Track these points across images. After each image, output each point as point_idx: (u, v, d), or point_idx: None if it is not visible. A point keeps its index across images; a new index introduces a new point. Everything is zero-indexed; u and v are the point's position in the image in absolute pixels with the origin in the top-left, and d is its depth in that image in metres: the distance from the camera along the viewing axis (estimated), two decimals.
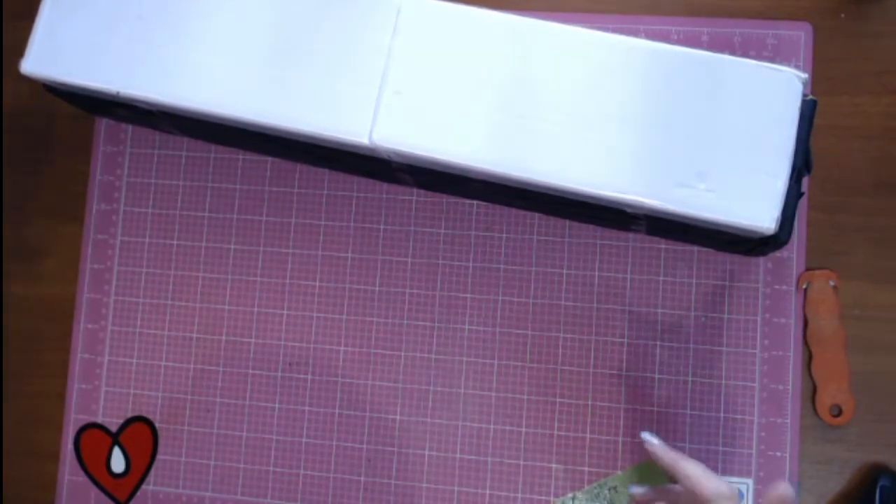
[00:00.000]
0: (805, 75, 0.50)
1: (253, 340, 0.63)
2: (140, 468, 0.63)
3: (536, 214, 0.61)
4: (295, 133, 0.54)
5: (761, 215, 0.49)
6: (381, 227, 0.62)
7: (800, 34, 0.61)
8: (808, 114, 0.51)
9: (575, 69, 0.52)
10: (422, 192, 0.62)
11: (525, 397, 0.60)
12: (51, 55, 0.56)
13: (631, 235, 0.60)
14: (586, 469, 0.59)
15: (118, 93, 0.55)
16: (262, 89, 0.54)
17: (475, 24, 0.53)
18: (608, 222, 0.59)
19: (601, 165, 0.50)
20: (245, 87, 0.54)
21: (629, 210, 0.52)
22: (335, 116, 0.53)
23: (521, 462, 0.59)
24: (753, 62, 0.51)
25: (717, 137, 0.50)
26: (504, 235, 0.61)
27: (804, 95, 0.50)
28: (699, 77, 0.51)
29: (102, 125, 0.66)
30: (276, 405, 0.62)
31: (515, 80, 0.52)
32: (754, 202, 0.49)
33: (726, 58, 0.51)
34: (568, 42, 0.52)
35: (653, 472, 0.58)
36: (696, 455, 0.58)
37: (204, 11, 0.55)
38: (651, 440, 0.52)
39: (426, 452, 0.60)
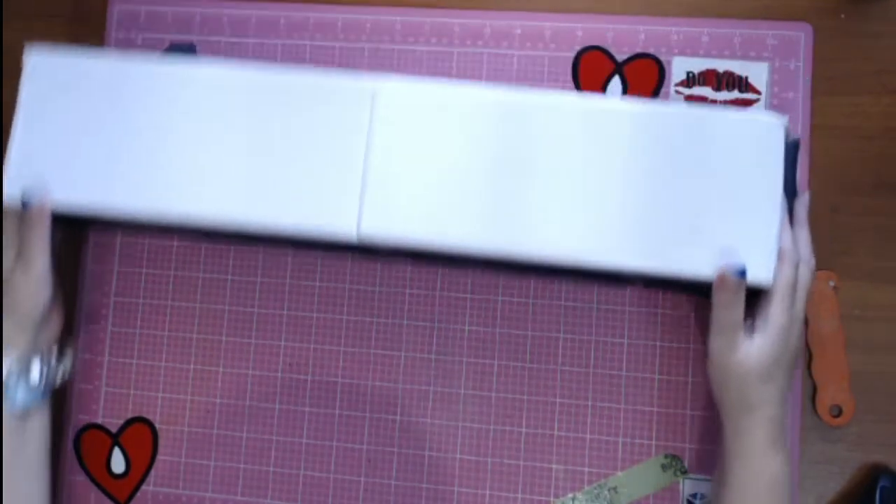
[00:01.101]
0: (785, 118, 0.50)
1: (253, 341, 0.63)
2: (140, 468, 0.63)
3: None
4: (282, 233, 0.53)
5: (758, 268, 0.49)
6: None
7: (800, 34, 0.61)
8: (793, 154, 0.51)
9: (558, 138, 0.51)
10: None
11: (525, 397, 0.60)
12: (28, 177, 0.53)
13: None
14: (586, 469, 0.59)
15: (102, 211, 0.53)
16: (244, 193, 0.52)
17: (453, 101, 0.52)
18: (605, 282, 0.59)
19: (595, 235, 0.50)
20: (227, 192, 0.52)
21: (626, 273, 0.52)
22: (321, 213, 0.52)
23: (521, 462, 0.59)
24: (733, 113, 0.51)
25: (707, 193, 0.50)
26: None
27: (787, 136, 0.50)
28: (682, 133, 0.50)
29: None
30: (276, 405, 0.62)
31: (500, 155, 0.51)
32: (750, 256, 0.49)
33: (706, 111, 0.51)
34: (548, 111, 0.51)
35: (653, 473, 0.58)
36: (695, 455, 0.58)
37: (178, 119, 0.53)
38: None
39: (426, 453, 0.60)
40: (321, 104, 0.52)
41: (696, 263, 0.50)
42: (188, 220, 0.53)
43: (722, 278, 0.49)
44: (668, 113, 0.51)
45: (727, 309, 0.49)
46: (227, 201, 0.52)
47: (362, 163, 0.52)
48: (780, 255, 0.49)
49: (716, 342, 0.50)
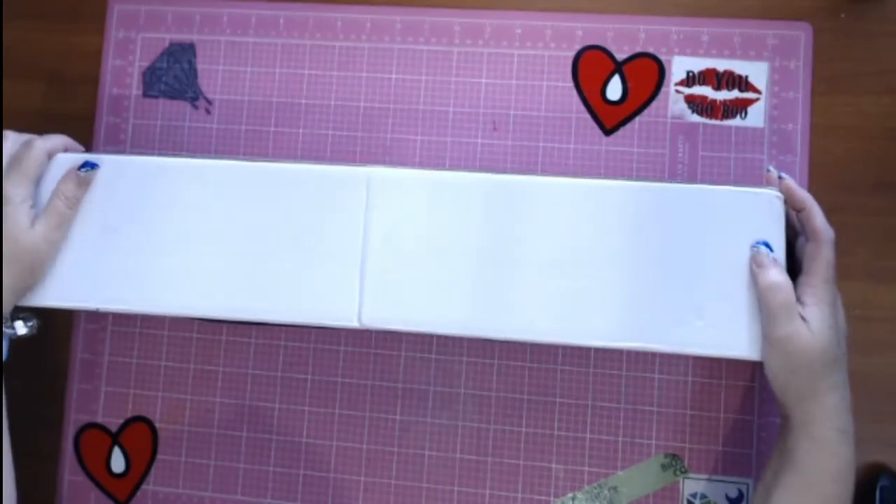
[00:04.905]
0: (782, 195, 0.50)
1: (253, 340, 0.63)
2: (140, 468, 0.63)
3: None
4: (284, 323, 0.53)
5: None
6: None
7: (800, 34, 0.61)
8: (785, 219, 0.51)
9: (554, 220, 0.51)
10: None
11: (525, 397, 0.60)
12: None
13: None
14: (586, 469, 0.59)
15: (97, 309, 0.54)
16: (244, 287, 0.52)
17: (445, 187, 0.52)
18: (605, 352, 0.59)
19: (596, 316, 0.50)
20: (226, 287, 0.53)
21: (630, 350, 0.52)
22: (322, 304, 0.52)
23: (521, 462, 0.59)
24: (731, 188, 0.50)
25: (708, 269, 0.49)
26: None
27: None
28: (680, 209, 0.50)
29: (102, 127, 0.66)
30: (276, 405, 0.62)
31: (496, 238, 0.51)
32: (756, 333, 0.49)
33: (703, 187, 0.51)
34: (542, 193, 0.51)
35: (653, 472, 0.58)
36: (695, 455, 0.58)
37: (174, 216, 0.53)
38: (783, 176, 0.52)
39: (426, 452, 0.60)
40: (316, 194, 0.53)
41: (699, 342, 0.49)
42: (186, 314, 0.53)
43: (757, 260, 0.48)
44: (663, 190, 0.51)
45: (774, 291, 0.48)
46: (226, 294, 0.53)
47: (360, 251, 0.52)
48: (816, 235, 0.49)
49: (775, 329, 0.47)
